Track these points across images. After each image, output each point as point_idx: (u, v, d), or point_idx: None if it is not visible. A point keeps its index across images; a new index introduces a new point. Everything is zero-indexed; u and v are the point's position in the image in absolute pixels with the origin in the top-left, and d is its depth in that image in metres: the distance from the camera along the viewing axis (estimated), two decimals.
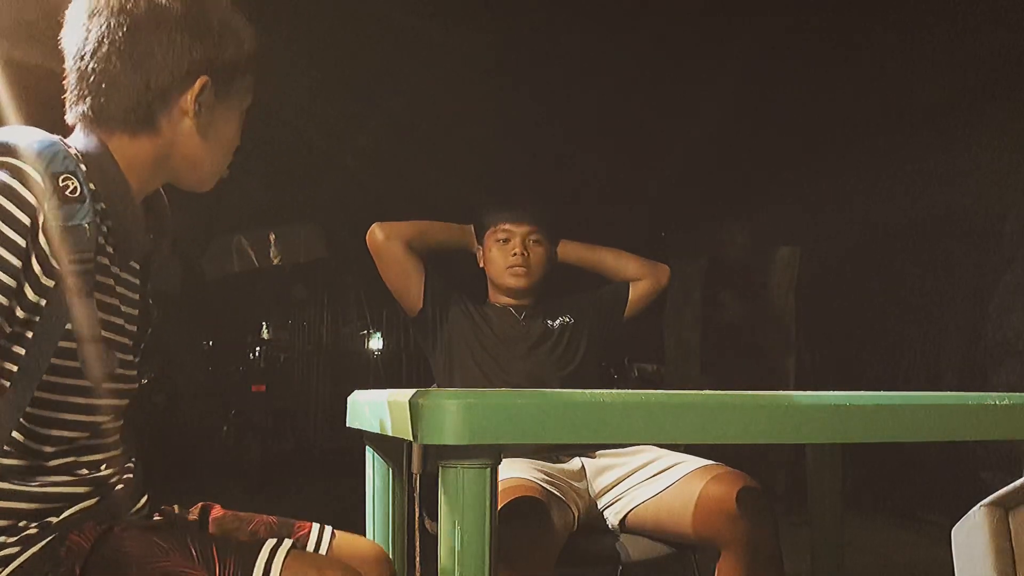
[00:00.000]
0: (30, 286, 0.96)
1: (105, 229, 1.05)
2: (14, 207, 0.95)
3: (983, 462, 3.87)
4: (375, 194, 5.10)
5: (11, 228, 0.94)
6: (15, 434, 1.01)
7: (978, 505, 0.93)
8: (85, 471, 1.07)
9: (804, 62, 4.13)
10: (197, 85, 1.09)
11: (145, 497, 1.19)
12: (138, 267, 1.15)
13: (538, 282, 2.16)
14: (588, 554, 1.82)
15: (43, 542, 1.00)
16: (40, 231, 0.96)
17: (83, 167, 1.02)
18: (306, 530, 1.23)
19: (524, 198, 2.19)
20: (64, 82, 1.11)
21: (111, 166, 1.07)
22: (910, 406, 1.12)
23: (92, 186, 1.03)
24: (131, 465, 1.17)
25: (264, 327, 7.82)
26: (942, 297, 4.36)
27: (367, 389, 1.44)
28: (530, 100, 4.58)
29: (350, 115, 4.43)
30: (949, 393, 1.17)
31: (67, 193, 0.98)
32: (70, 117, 1.10)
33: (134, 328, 1.14)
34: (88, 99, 1.08)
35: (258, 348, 7.59)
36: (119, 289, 1.10)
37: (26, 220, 0.95)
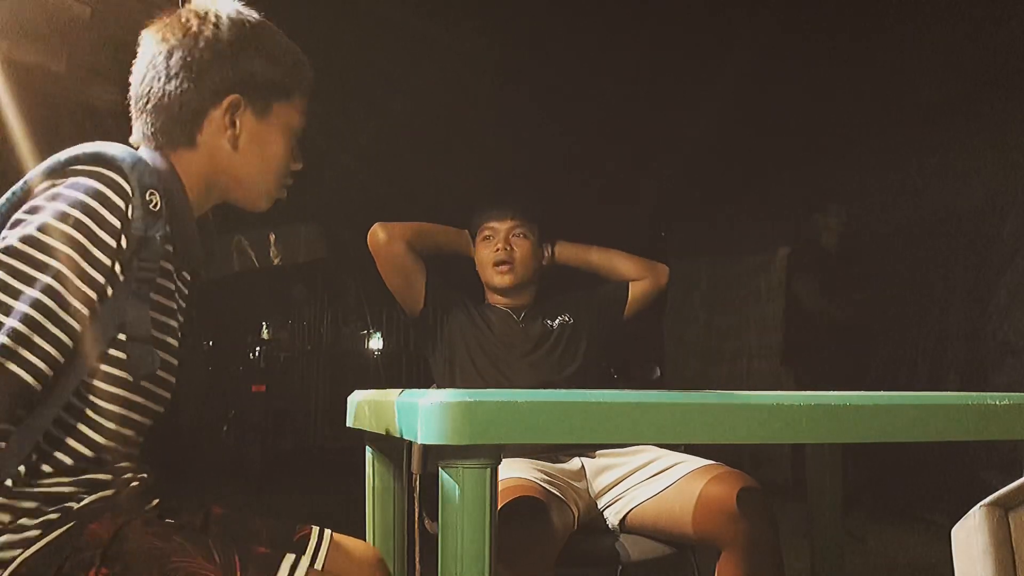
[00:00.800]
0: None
1: (169, 248, 1.12)
2: (107, 213, 1.03)
3: (983, 462, 3.87)
4: (375, 194, 5.10)
5: (101, 242, 1.02)
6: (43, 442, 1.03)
7: (978, 505, 0.92)
8: (106, 475, 1.10)
9: (804, 62, 4.14)
10: (227, 102, 1.17)
11: (156, 500, 1.20)
12: (189, 279, 1.22)
13: (527, 279, 2.14)
14: (588, 554, 1.82)
15: (63, 528, 1.01)
16: (123, 239, 1.04)
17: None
18: (305, 532, 1.23)
19: (506, 194, 2.18)
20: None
21: (176, 184, 1.15)
22: (910, 406, 1.12)
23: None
24: (144, 476, 1.18)
25: (264, 327, 7.83)
26: (942, 297, 4.36)
27: (367, 389, 1.44)
28: (530, 100, 4.58)
29: (350, 115, 4.43)
30: (949, 393, 1.17)
31: (151, 207, 1.07)
32: (133, 137, 1.20)
33: (178, 338, 1.18)
34: (140, 118, 1.18)
35: (258, 348, 7.59)
36: (176, 296, 1.17)
37: (116, 225, 1.03)
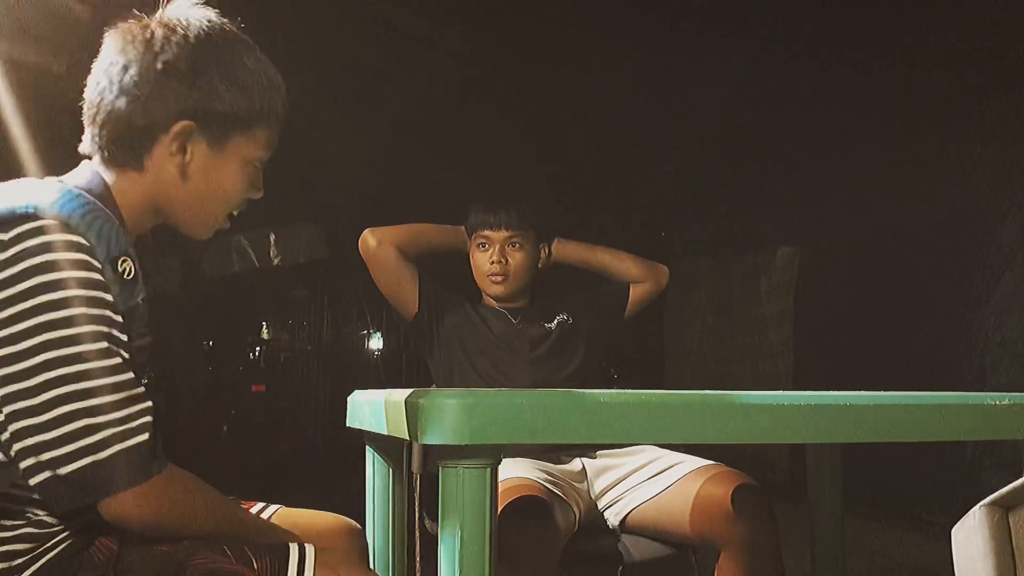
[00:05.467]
0: None
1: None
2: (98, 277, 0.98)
3: (983, 462, 3.87)
4: (375, 194, 5.10)
5: (103, 293, 0.98)
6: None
7: (978, 505, 0.93)
8: None
9: (804, 62, 4.13)
10: (178, 127, 1.10)
11: None
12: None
13: (521, 288, 2.13)
14: (588, 554, 1.82)
15: (69, 542, 1.01)
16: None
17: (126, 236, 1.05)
18: (248, 507, 1.26)
19: (502, 200, 2.12)
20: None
21: (112, 211, 1.07)
22: (910, 406, 1.12)
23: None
24: None
25: (264, 327, 7.82)
26: (942, 297, 4.36)
27: (367, 389, 1.44)
28: (531, 100, 4.58)
29: (350, 115, 4.42)
30: (949, 393, 1.17)
31: (125, 276, 1.01)
32: (82, 147, 1.14)
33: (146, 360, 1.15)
34: (88, 129, 1.12)
35: (258, 348, 7.59)
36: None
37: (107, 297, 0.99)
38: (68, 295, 0.95)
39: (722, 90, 4.37)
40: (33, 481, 0.94)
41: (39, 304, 0.94)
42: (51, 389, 0.92)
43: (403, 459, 1.52)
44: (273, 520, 1.27)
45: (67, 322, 0.94)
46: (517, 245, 2.10)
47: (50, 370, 0.93)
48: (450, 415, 0.96)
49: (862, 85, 4.26)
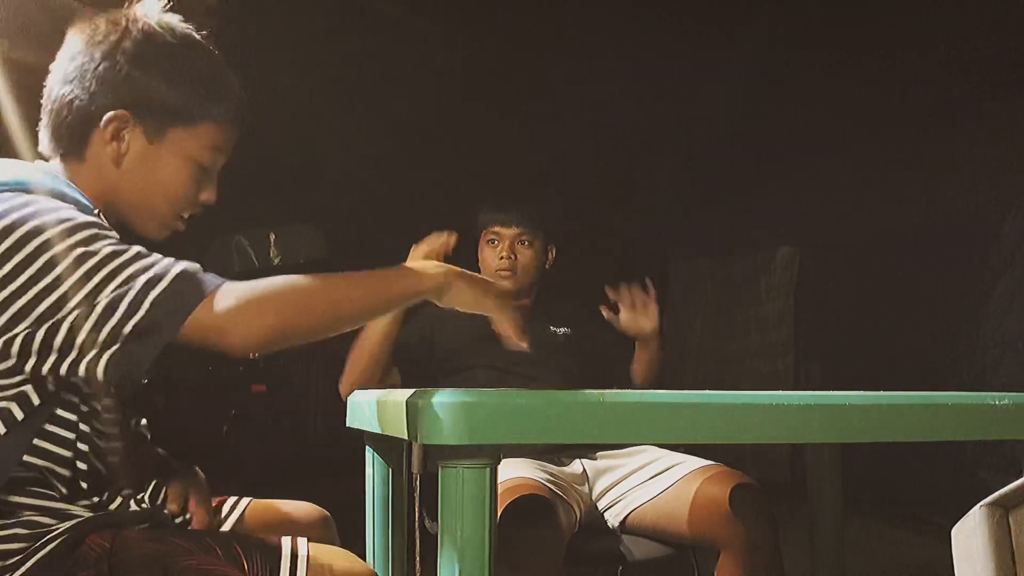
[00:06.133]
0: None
1: None
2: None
3: (983, 462, 3.87)
4: (375, 194, 5.10)
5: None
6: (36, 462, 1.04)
7: (978, 505, 0.93)
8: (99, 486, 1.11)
9: (804, 61, 4.13)
10: (113, 115, 1.12)
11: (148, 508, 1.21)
12: None
13: (528, 285, 2.14)
14: (589, 554, 1.82)
15: (62, 539, 1.01)
16: None
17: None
18: (218, 503, 1.29)
19: (514, 199, 2.16)
20: None
21: (74, 199, 1.10)
22: (910, 406, 1.12)
23: None
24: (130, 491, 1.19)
25: None
26: (942, 297, 4.36)
27: (367, 389, 1.44)
28: (531, 100, 4.58)
29: (350, 115, 4.42)
30: (949, 393, 1.17)
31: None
32: (40, 146, 1.17)
33: None
34: (43, 117, 1.15)
35: None
36: None
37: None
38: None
39: (723, 90, 4.37)
40: (108, 356, 0.96)
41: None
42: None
43: (403, 459, 1.52)
44: (247, 513, 1.29)
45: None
46: (526, 243, 2.12)
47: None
48: (450, 415, 0.96)
49: (862, 85, 4.26)
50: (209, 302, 0.97)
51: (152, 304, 0.95)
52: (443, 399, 0.97)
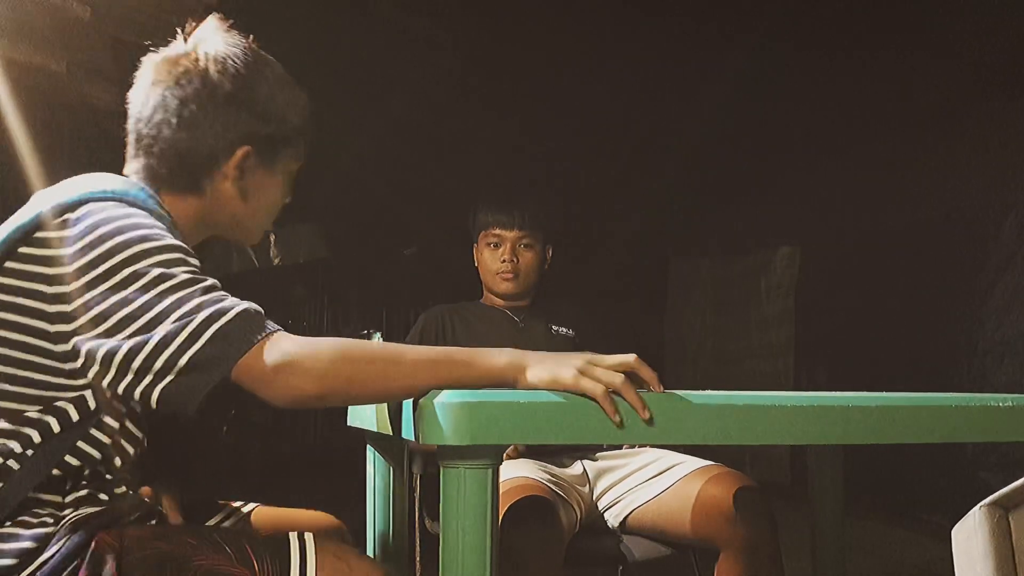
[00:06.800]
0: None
1: None
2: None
3: (983, 462, 3.87)
4: (375, 194, 5.10)
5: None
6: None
7: (978, 505, 0.92)
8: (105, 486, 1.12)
9: (804, 61, 4.13)
10: (239, 154, 1.17)
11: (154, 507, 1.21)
12: None
13: (528, 287, 2.14)
14: (589, 555, 1.82)
15: (67, 538, 1.01)
16: None
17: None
18: (224, 506, 1.30)
19: (515, 201, 2.14)
20: (126, 137, 1.20)
21: (167, 220, 1.14)
22: (911, 407, 1.12)
23: None
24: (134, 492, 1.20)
25: None
26: (942, 297, 4.35)
27: None
28: (530, 101, 4.58)
29: (350, 115, 4.42)
30: (950, 394, 1.17)
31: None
32: (128, 170, 1.19)
33: None
34: (142, 158, 1.17)
35: None
36: None
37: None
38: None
39: (722, 90, 4.37)
40: (162, 386, 0.98)
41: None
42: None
43: (403, 459, 1.52)
44: (252, 519, 1.29)
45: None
46: (527, 245, 2.11)
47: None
48: (450, 415, 0.96)
49: (862, 85, 4.26)
50: (259, 349, 0.99)
51: (210, 339, 0.97)
52: (444, 399, 0.97)
